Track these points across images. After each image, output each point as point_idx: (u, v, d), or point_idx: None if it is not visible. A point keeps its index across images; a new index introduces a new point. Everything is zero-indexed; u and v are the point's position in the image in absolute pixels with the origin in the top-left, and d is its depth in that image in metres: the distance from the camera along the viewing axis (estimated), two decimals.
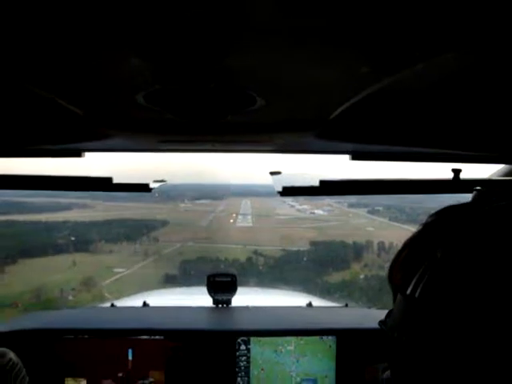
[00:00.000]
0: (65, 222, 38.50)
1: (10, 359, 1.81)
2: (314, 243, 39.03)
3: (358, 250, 35.60)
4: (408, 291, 0.79)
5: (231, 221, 43.94)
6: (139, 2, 0.55)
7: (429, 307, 0.73)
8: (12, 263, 30.75)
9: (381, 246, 35.00)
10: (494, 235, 0.70)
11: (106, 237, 38.79)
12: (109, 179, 1.92)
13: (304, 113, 1.28)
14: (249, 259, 34.15)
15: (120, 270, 33.69)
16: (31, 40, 0.68)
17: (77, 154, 1.92)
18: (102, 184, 1.95)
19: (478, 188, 1.54)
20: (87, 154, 1.96)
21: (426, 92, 1.05)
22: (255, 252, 36.88)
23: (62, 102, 1.10)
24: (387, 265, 1.14)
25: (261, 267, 32.82)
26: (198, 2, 0.55)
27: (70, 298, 23.35)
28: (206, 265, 27.97)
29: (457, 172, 1.83)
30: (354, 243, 36.73)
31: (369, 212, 45.74)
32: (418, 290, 0.76)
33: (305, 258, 34.78)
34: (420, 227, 1.02)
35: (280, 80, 0.93)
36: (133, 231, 40.76)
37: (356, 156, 1.92)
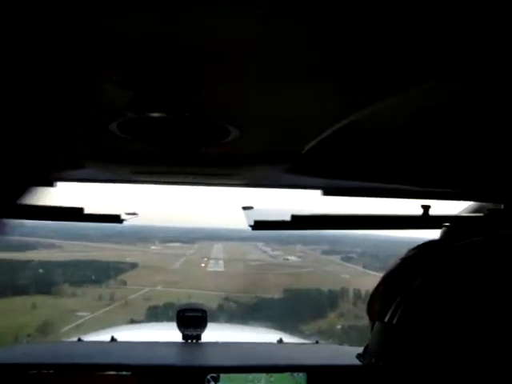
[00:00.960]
0: (28, 262, 37.72)
1: None
2: (287, 290, 38.69)
3: (333, 299, 35.45)
4: (386, 319, 0.83)
5: (202, 265, 43.61)
6: (114, 31, 0.57)
7: (406, 332, 0.78)
8: None
9: (357, 294, 34.89)
10: (466, 268, 0.77)
11: (71, 279, 38.04)
12: (80, 209, 1.93)
13: (276, 146, 1.30)
14: (220, 306, 33.64)
15: (83, 313, 32.73)
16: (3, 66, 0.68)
17: (48, 183, 1.87)
18: (73, 214, 1.95)
19: (447, 224, 1.61)
20: (59, 184, 1.94)
21: (398, 128, 1.09)
22: (227, 298, 36.33)
23: (33, 129, 1.10)
24: (363, 313, 1.19)
25: (232, 315, 32.50)
26: (172, 35, 0.58)
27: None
28: (173, 312, 27.83)
29: (426, 208, 1.88)
30: (330, 291, 36.61)
31: (342, 259, 45.80)
32: (396, 317, 0.80)
33: (279, 306, 34.38)
34: (399, 261, 1.08)
35: (254, 112, 0.95)
36: (99, 273, 40.05)
37: (328, 191, 1.95)
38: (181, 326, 3.26)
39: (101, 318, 32.24)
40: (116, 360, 2.81)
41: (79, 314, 32.80)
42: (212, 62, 0.67)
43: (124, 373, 2.71)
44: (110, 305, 36.04)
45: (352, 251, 44.70)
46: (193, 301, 32.76)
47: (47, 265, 39.74)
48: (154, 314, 30.16)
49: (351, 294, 35.56)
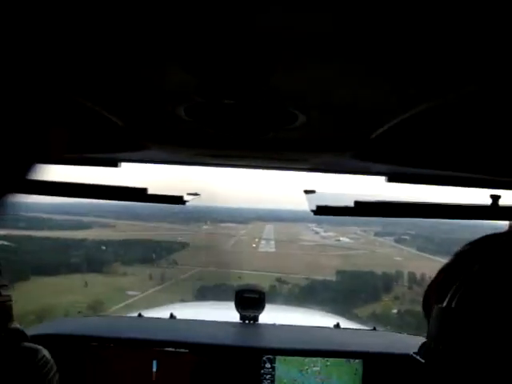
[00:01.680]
0: (82, 241, 38.85)
1: (43, 356, 1.88)
2: (340, 272, 38.37)
3: (387, 282, 34.83)
4: (444, 303, 0.85)
5: (254, 245, 43.66)
6: (186, 17, 0.57)
7: (465, 315, 0.78)
8: (23, 280, 30.56)
9: (411, 277, 34.09)
10: None
11: (123, 258, 38.92)
12: (144, 190, 1.96)
13: (344, 132, 1.30)
14: (272, 287, 33.38)
15: (133, 293, 33.49)
16: (75, 50, 0.71)
17: (113, 163, 1.98)
18: (137, 194, 1.98)
19: None
20: (123, 165, 2.01)
21: (467, 116, 1.08)
22: (279, 280, 36.28)
23: (102, 112, 1.15)
24: (420, 298, 1.19)
25: (285, 298, 32.25)
26: (243, 21, 0.58)
27: None
28: (224, 293, 27.34)
29: (496, 198, 1.82)
30: (384, 274, 36.01)
31: (395, 241, 45.12)
32: (455, 301, 0.82)
33: (331, 288, 34.18)
34: (454, 255, 1.12)
35: (323, 98, 0.95)
36: (151, 253, 40.70)
37: (393, 178, 1.94)
38: (239, 307, 3.34)
39: (151, 297, 32.71)
40: (174, 337, 2.91)
41: (129, 293, 33.48)
42: (281, 49, 0.67)
43: (182, 350, 2.81)
44: (160, 284, 36.52)
45: (405, 233, 43.97)
46: (243, 282, 32.89)
47: (100, 244, 40.65)
48: (204, 295, 30.28)
49: (406, 277, 34.91)
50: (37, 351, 1.88)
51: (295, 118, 1.05)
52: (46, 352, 1.91)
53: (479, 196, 1.94)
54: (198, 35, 0.63)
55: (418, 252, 39.37)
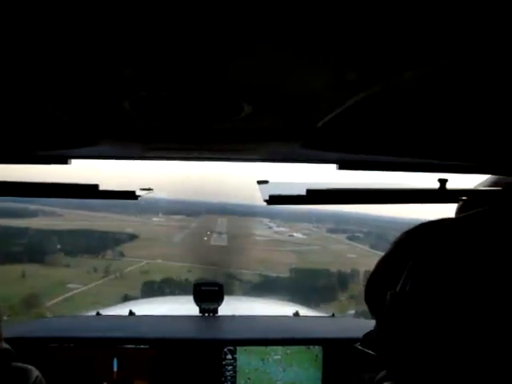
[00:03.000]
0: (26, 229, 37.41)
1: (37, 376, 1.93)
2: (295, 270, 38.36)
3: (343, 280, 34.69)
4: (397, 289, 0.87)
5: (205, 238, 43.28)
6: (126, 10, 0.57)
7: (420, 297, 0.81)
8: None
9: (367, 275, 33.93)
10: (469, 235, 0.81)
11: (66, 248, 37.62)
12: (95, 186, 1.95)
13: (291, 121, 1.32)
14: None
15: (74, 285, 32.27)
16: (15, 44, 0.70)
17: (63, 160, 1.98)
18: (88, 191, 1.98)
19: (464, 198, 1.67)
20: (73, 161, 2.01)
21: (414, 101, 1.10)
22: (230, 276, 35.41)
23: (47, 108, 1.14)
24: None
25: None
26: (184, 11, 0.58)
27: (5, 318, 22.16)
28: (170, 288, 26.79)
29: (443, 182, 1.89)
30: (339, 272, 35.86)
31: (348, 238, 45.59)
32: (408, 285, 0.84)
33: (285, 286, 33.64)
34: (393, 245, 1.18)
35: (268, 87, 0.95)
36: (97, 243, 39.72)
37: (343, 165, 1.96)
38: (198, 300, 3.43)
39: (92, 291, 31.71)
40: (134, 333, 2.97)
41: (70, 285, 32.22)
42: (224, 38, 0.68)
43: (142, 346, 2.88)
44: (104, 277, 35.58)
45: (358, 230, 44.39)
46: (193, 276, 32.26)
47: (43, 233, 39.36)
48: (150, 290, 29.43)
49: (361, 275, 35.00)
50: (30, 371, 1.94)
51: (241, 109, 1.07)
52: (37, 372, 1.97)
53: (428, 180, 2.01)
54: (139, 27, 0.63)
55: (370, 249, 39.80)
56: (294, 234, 47.13)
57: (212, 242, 42.53)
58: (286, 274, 38.03)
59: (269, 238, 46.66)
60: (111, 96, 1.00)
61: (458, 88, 0.94)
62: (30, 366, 1.96)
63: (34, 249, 35.87)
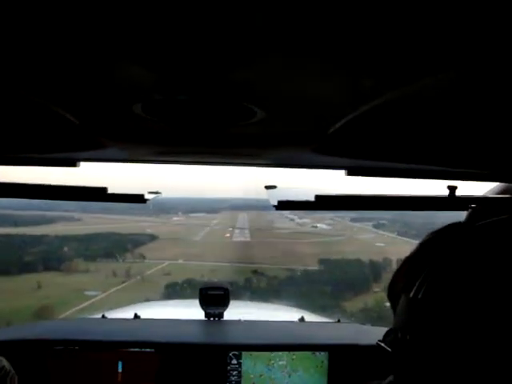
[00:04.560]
0: (42, 237, 37.21)
1: (3, 366, 1.96)
2: (323, 261, 37.64)
3: (375, 270, 33.93)
4: (411, 294, 0.90)
5: (227, 235, 43.05)
6: (141, 12, 0.59)
7: (431, 305, 0.84)
8: None
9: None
10: (485, 245, 0.83)
11: (85, 253, 37.34)
12: (103, 189, 1.99)
13: (302, 127, 1.33)
14: (248, 281, 32.55)
15: (92, 293, 31.74)
16: (28, 46, 0.72)
17: (71, 163, 2.01)
18: (97, 194, 2.01)
19: (473, 206, 1.67)
20: (82, 164, 2.04)
21: (424, 109, 1.12)
22: (255, 271, 35.14)
23: (57, 110, 1.15)
24: None
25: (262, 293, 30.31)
26: (200, 15, 0.59)
27: None
28: (192, 290, 25.45)
29: (452, 189, 1.91)
30: (371, 262, 35.26)
31: (374, 226, 45.05)
32: (421, 292, 0.87)
33: (315, 280, 33.36)
34: (419, 245, 1.19)
35: (281, 93, 0.97)
36: (116, 247, 39.46)
37: (352, 171, 2.00)
38: (203, 304, 3.49)
39: (112, 298, 30.96)
40: (139, 337, 3.04)
41: (88, 293, 31.68)
42: (237, 45, 0.69)
43: (147, 350, 2.95)
44: (124, 282, 35.14)
45: (382, 218, 43.95)
46: (216, 276, 31.38)
47: (60, 239, 38.99)
48: (173, 293, 28.94)
49: (394, 264, 34.14)
50: None
51: (253, 114, 1.09)
52: (5, 362, 2.00)
53: (437, 187, 2.01)
54: (154, 31, 0.65)
55: (399, 237, 39.15)
56: (318, 225, 46.87)
57: (234, 239, 42.38)
58: (314, 267, 37.36)
59: (292, 230, 46.35)
60: (123, 98, 1.03)
61: (468, 96, 0.96)
62: None
63: (50, 256, 35.60)
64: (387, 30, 0.63)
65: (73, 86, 0.96)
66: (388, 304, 1.19)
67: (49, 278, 32.70)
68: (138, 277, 36.12)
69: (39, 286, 31.51)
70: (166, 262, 38.75)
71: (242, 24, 0.62)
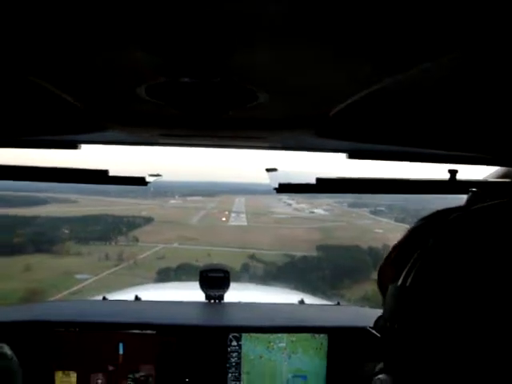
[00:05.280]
0: (35, 218, 37.00)
1: (5, 353, 2.02)
2: (321, 247, 37.73)
3: (375, 257, 33.42)
4: (399, 282, 0.90)
5: (223, 219, 42.93)
6: None
7: (419, 293, 0.84)
8: None
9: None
10: (480, 229, 0.82)
11: (78, 235, 37.27)
12: (105, 172, 2.03)
13: (304, 110, 1.34)
14: (245, 266, 32.45)
15: (83, 276, 31.49)
16: (30, 29, 0.72)
17: (73, 145, 2.04)
18: (98, 176, 2.05)
19: (473, 189, 1.70)
20: (83, 146, 2.07)
21: (426, 93, 1.12)
22: (252, 257, 35.30)
23: (60, 93, 1.15)
24: None
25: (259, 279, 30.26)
26: (207, 1, 0.60)
27: None
28: (187, 276, 25.81)
29: (453, 173, 1.95)
30: (370, 248, 35.16)
31: (371, 212, 45.06)
32: (409, 279, 0.87)
33: (313, 266, 33.24)
34: (408, 231, 1.23)
35: (283, 77, 0.98)
36: (110, 229, 39.54)
37: (353, 155, 2.03)
38: (204, 286, 3.54)
39: (103, 282, 30.78)
40: (140, 319, 3.09)
41: (79, 276, 31.58)
42: (242, 27, 0.70)
43: (148, 331, 3.00)
44: (117, 265, 35.10)
45: (380, 204, 43.95)
46: (212, 261, 30.95)
47: (53, 221, 38.93)
48: (166, 278, 28.43)
49: None
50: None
51: (255, 97, 1.10)
52: (6, 349, 2.05)
53: (438, 171, 2.06)
54: (157, 13, 0.65)
55: (397, 223, 39.12)
56: (315, 211, 46.89)
57: (231, 223, 42.28)
58: (313, 253, 37.47)
59: (290, 215, 46.28)
60: (127, 81, 1.03)
61: (469, 80, 0.97)
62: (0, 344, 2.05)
63: (41, 238, 35.28)
64: (386, 15, 0.64)
65: (76, 69, 0.98)
66: None
67: (39, 260, 32.61)
68: (131, 260, 35.89)
69: (28, 269, 31.35)
70: (161, 246, 38.69)
71: (244, 7, 0.62)
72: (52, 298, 25.66)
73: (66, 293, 27.58)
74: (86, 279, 31.87)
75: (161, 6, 0.62)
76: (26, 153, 2.11)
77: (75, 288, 29.26)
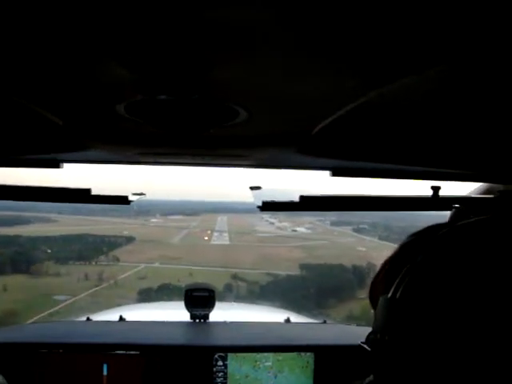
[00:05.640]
0: (15, 237, 36.04)
1: None
2: (304, 266, 37.21)
3: (359, 276, 32.86)
4: (389, 295, 0.90)
5: (206, 238, 42.75)
6: (123, 12, 0.59)
7: (408, 305, 0.85)
8: None
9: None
10: (466, 244, 0.83)
11: (57, 255, 36.54)
12: (87, 190, 2.07)
13: (286, 127, 1.35)
14: (227, 286, 31.85)
15: (61, 297, 30.75)
16: (11, 48, 0.72)
17: (55, 164, 2.04)
18: (80, 195, 2.08)
19: (457, 206, 1.79)
20: (65, 165, 2.08)
21: (409, 109, 1.12)
22: (235, 276, 34.89)
23: (40, 111, 1.16)
24: None
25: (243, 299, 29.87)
26: (182, 14, 0.60)
27: None
28: (169, 296, 24.95)
29: (436, 189, 2.02)
30: (354, 267, 34.57)
31: (354, 230, 45.08)
32: (399, 292, 0.87)
33: (297, 286, 32.69)
34: (399, 247, 1.24)
35: (264, 93, 0.98)
36: (90, 249, 38.79)
37: (336, 172, 2.05)
38: (189, 306, 3.54)
39: (81, 303, 29.79)
40: (124, 339, 3.08)
41: (57, 297, 30.63)
42: (220, 43, 0.70)
43: (132, 352, 2.99)
44: (97, 285, 34.22)
45: (362, 222, 43.71)
46: (194, 280, 30.79)
47: (33, 241, 38.08)
48: (147, 299, 26.95)
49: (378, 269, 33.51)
50: None
51: (236, 114, 1.11)
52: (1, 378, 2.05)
53: (421, 187, 2.12)
54: (135, 30, 0.65)
55: (380, 241, 39.11)
56: (297, 229, 46.82)
57: (213, 242, 42.10)
58: (296, 272, 36.85)
59: (272, 234, 46.24)
60: (106, 99, 1.04)
61: (452, 97, 0.99)
62: None
63: (20, 258, 34.30)
64: (370, 29, 0.64)
65: (55, 87, 0.98)
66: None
67: (17, 281, 31.72)
68: (112, 281, 35.27)
69: (5, 290, 30.50)
70: (142, 265, 38.11)
71: (222, 23, 0.63)
72: (29, 321, 25.07)
73: (43, 315, 26.50)
74: (64, 300, 30.80)
75: (138, 24, 0.63)
76: (9, 172, 2.10)
77: (52, 310, 28.28)
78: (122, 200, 2.14)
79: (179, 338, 3.20)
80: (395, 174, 2.11)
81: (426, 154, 1.69)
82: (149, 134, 1.39)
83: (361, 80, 0.88)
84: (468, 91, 0.95)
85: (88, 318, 3.72)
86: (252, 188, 2.22)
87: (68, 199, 2.22)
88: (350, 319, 23.82)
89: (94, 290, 33.58)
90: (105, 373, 2.97)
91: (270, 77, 0.88)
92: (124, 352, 2.99)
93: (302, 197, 2.02)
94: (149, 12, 0.59)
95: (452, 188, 2.17)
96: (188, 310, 3.54)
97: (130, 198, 2.15)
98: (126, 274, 36.81)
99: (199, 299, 3.54)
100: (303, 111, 1.16)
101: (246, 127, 1.25)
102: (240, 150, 1.78)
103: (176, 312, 3.71)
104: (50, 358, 2.95)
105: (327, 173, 2.09)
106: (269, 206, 2.06)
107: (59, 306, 29.37)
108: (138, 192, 2.27)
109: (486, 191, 2.21)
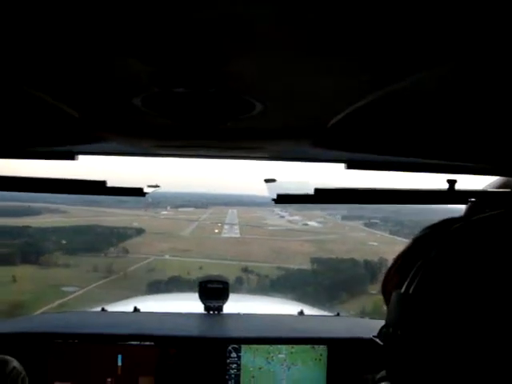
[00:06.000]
0: (24, 228, 36.47)
1: (14, 368, 2.04)
2: (315, 260, 37.16)
3: (371, 270, 32.98)
4: (402, 289, 0.91)
5: (216, 231, 42.72)
6: (140, 5, 0.59)
7: (421, 300, 0.85)
8: None
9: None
10: (481, 238, 0.83)
11: (67, 246, 36.66)
12: (103, 182, 2.04)
13: (302, 120, 1.35)
14: (238, 279, 31.98)
15: (70, 289, 30.95)
16: (28, 41, 0.73)
17: (70, 156, 2.03)
18: (96, 187, 2.05)
19: (472, 199, 1.75)
20: (81, 157, 2.07)
21: (424, 102, 1.12)
22: (246, 269, 34.88)
23: (56, 104, 1.17)
24: None
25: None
26: (200, 7, 0.60)
27: None
28: (180, 288, 25.24)
29: (452, 183, 1.97)
30: (366, 261, 34.66)
31: (365, 225, 44.92)
32: (412, 287, 0.88)
33: (308, 280, 32.67)
34: (413, 240, 1.24)
35: (280, 87, 0.99)
36: (100, 240, 38.90)
37: (351, 165, 2.03)
38: (203, 298, 3.59)
39: (90, 295, 30.00)
40: (139, 330, 3.12)
41: (65, 289, 30.93)
42: (237, 36, 0.70)
43: (147, 343, 3.04)
44: (106, 277, 34.41)
45: (373, 216, 43.85)
46: (204, 273, 30.62)
47: (43, 232, 38.40)
48: (157, 291, 26.55)
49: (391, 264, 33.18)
50: (6, 363, 2.05)
51: (252, 107, 1.10)
52: (16, 363, 2.07)
53: (436, 181, 2.08)
54: (152, 24, 0.66)
55: (391, 236, 38.91)
56: (309, 223, 46.75)
57: (224, 234, 42.10)
58: (307, 266, 36.95)
59: (283, 227, 46.18)
60: (123, 92, 1.05)
61: (468, 89, 0.99)
62: (7, 357, 2.08)
63: (29, 249, 34.90)
64: (383, 25, 0.65)
65: (72, 80, 0.99)
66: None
67: (26, 272, 31.98)
68: (121, 272, 35.37)
69: (14, 280, 30.83)
70: (152, 258, 38.21)
71: (240, 17, 0.63)
72: (36, 313, 25.02)
73: (50, 306, 26.98)
74: (73, 292, 31.19)
75: (155, 15, 0.63)
76: (24, 163, 2.11)
77: (61, 301, 28.71)
78: (138, 192, 2.12)
79: (193, 330, 3.22)
80: (410, 167, 2.09)
81: (441, 147, 1.67)
82: (165, 127, 1.40)
83: (375, 75, 0.88)
84: (483, 84, 0.95)
85: (103, 309, 3.76)
86: (266, 180, 2.18)
87: (84, 191, 2.19)
88: (364, 314, 23.32)
89: (102, 281, 33.76)
90: (119, 363, 3.01)
91: (285, 71, 0.88)
92: (138, 343, 3.03)
93: (316, 189, 2.00)
94: (165, 5, 0.60)
95: (468, 181, 2.11)
96: (202, 302, 3.58)
97: (146, 189, 2.13)
98: (135, 266, 36.91)
99: (213, 291, 3.57)
100: (318, 104, 1.16)
101: (261, 120, 1.25)
102: (255, 143, 1.78)
103: (190, 303, 3.74)
104: (65, 347, 2.99)
105: (341, 166, 2.08)
106: (283, 199, 2.04)
107: (68, 298, 29.69)
108: (153, 184, 2.26)
109: (503, 185, 2.18)
